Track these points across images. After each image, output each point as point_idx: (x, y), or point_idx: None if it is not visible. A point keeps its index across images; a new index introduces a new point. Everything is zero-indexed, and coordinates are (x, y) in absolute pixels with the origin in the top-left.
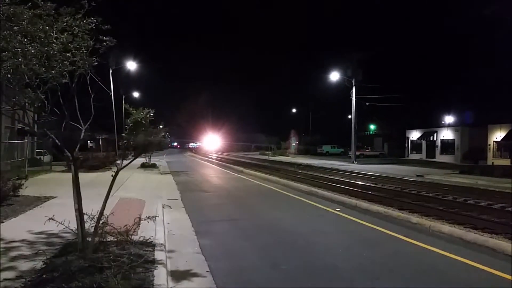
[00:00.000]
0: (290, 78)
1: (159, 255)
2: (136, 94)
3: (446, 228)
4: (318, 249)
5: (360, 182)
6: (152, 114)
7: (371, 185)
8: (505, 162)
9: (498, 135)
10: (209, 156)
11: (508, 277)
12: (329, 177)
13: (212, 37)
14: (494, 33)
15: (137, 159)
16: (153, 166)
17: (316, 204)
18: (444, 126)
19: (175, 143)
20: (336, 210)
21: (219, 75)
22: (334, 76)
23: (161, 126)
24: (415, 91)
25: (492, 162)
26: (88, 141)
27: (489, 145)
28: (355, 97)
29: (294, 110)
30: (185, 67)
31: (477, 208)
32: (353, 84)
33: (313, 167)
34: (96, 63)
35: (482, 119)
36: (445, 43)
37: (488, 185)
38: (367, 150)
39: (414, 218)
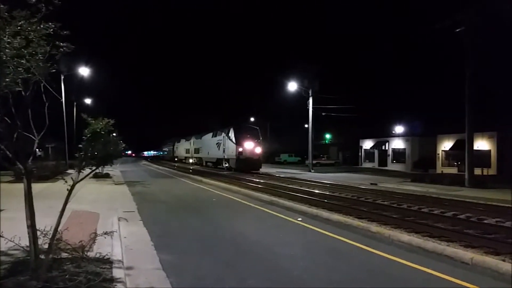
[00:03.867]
0: (249, 87)
1: (117, 272)
2: (88, 101)
3: (405, 237)
4: (283, 261)
5: (318, 191)
6: (111, 124)
7: (329, 193)
8: (453, 170)
9: (447, 144)
10: (166, 165)
11: (468, 285)
12: (289, 186)
13: (171, 46)
14: (444, 47)
15: (87, 168)
16: (107, 176)
17: (278, 214)
18: (395, 135)
19: (129, 152)
20: (298, 220)
21: (176, 84)
22: (292, 86)
23: (114, 134)
24: (368, 102)
25: (442, 171)
26: (37, 150)
27: (438, 154)
28: (312, 107)
29: (252, 119)
30: (143, 75)
31: (431, 216)
32: (310, 94)
33: (272, 176)
34: (54, 70)
35: (432, 129)
36: (395, 56)
37: (439, 193)
38: (323, 158)
39: (374, 227)
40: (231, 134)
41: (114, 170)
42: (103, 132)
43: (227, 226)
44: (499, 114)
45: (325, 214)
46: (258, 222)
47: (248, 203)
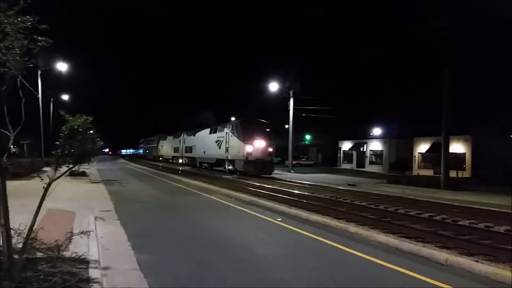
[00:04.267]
0: (231, 86)
1: (93, 273)
2: (66, 97)
3: (382, 237)
4: (263, 262)
5: (298, 191)
6: (89, 121)
7: (309, 194)
8: (429, 172)
9: (423, 147)
10: (147, 165)
11: (442, 285)
12: (269, 186)
13: (151, 45)
14: (418, 51)
15: (63, 165)
16: (83, 174)
17: (258, 215)
18: (373, 137)
19: (107, 149)
20: (278, 220)
21: (155, 83)
22: (273, 86)
23: (92, 131)
24: (348, 103)
25: (418, 173)
26: (11, 146)
27: (414, 156)
28: (293, 108)
29: (233, 119)
30: (122, 74)
31: (407, 218)
32: (291, 95)
33: (252, 176)
34: (32, 65)
35: (409, 132)
36: (374, 59)
37: (415, 194)
38: (302, 159)
39: (352, 228)
40: (238, 130)
41: (90, 168)
42: (81, 129)
43: (206, 226)
44: (475, 118)
45: (304, 214)
46: (238, 222)
47: (227, 203)
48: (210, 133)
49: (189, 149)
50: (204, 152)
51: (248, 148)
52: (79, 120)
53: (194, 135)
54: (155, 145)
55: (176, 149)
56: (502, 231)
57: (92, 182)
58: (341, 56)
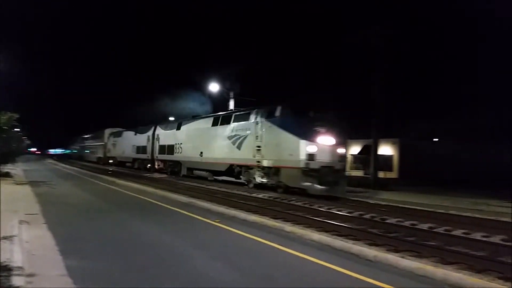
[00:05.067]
0: (170, 87)
1: (17, 280)
2: None
3: (316, 236)
4: (200, 263)
5: (237, 192)
6: (15, 119)
7: (248, 195)
8: (360, 173)
9: (355, 149)
10: (76, 165)
11: (369, 280)
12: (207, 187)
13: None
14: (353, 57)
15: None
16: (7, 175)
17: (196, 216)
18: None
19: (34, 149)
20: (216, 221)
21: (95, 86)
22: (214, 87)
23: (17, 130)
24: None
25: (350, 173)
26: None
27: (347, 158)
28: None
29: (172, 118)
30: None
31: (339, 216)
32: (231, 96)
33: (191, 177)
34: None
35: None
36: (314, 64)
37: (347, 194)
38: None
39: (288, 227)
40: (285, 119)
41: (16, 168)
42: (5, 128)
43: (141, 230)
44: (402, 121)
45: (242, 215)
46: (174, 224)
47: (164, 205)
48: (215, 124)
49: (167, 149)
50: (202, 153)
51: (310, 148)
52: (3, 118)
53: (179, 129)
54: (102, 143)
55: (141, 149)
56: (425, 228)
57: (17, 184)
58: (283, 57)
